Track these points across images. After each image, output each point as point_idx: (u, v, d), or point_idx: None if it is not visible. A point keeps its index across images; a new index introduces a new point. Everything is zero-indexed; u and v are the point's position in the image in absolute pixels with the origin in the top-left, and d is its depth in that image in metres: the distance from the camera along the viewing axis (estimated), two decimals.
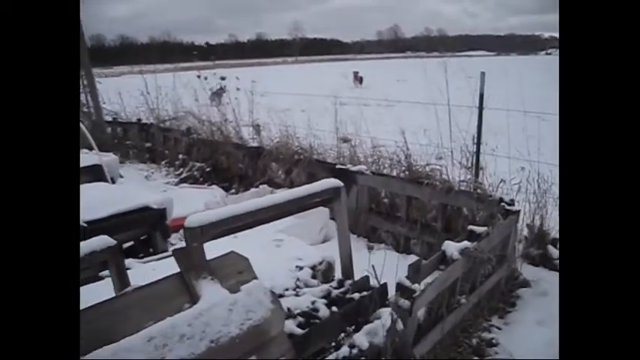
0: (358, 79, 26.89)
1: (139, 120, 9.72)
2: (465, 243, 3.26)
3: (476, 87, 5.21)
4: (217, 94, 19.44)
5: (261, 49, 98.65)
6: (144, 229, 4.34)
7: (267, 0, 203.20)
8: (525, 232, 4.51)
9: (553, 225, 4.37)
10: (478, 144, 4.62)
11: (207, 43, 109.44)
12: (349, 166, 5.27)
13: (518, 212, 4.03)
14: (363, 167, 5.16)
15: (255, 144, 6.96)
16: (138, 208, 4.25)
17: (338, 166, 5.36)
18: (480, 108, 4.64)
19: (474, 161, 4.69)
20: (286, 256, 3.22)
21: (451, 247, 3.19)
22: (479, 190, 4.28)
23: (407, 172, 4.89)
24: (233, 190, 6.76)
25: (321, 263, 3.20)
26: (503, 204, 4.00)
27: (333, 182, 2.78)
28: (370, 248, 4.89)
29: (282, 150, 6.24)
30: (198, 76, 10.06)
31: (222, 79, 19.79)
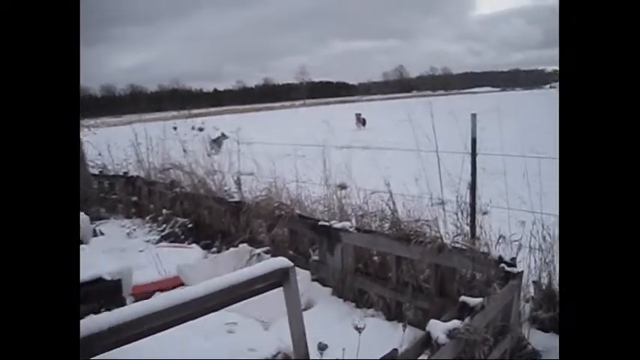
0: (361, 121, 26.55)
1: (126, 173, 9.26)
2: (455, 322, 2.69)
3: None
4: (217, 142, 19.21)
5: (269, 94, 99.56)
6: (96, 303, 3.84)
7: (274, 46, 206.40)
8: (532, 290, 3.99)
9: None
10: (473, 195, 4.06)
11: (215, 90, 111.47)
12: (333, 223, 4.74)
13: (520, 274, 3.48)
14: (347, 224, 4.62)
15: (237, 198, 6.44)
16: (89, 281, 3.80)
17: (320, 223, 4.85)
18: (473, 154, 4.09)
19: (469, 214, 4.11)
20: (236, 346, 2.69)
21: (437, 328, 2.61)
22: (474, 248, 3.74)
23: (394, 229, 4.37)
24: (215, 249, 6.25)
25: (276, 355, 2.66)
26: (502, 265, 3.46)
27: (280, 262, 2.33)
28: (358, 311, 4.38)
29: (263, 205, 5.69)
30: (175, 128, 9.65)
31: (216, 129, 19.44)
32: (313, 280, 4.67)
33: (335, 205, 5.60)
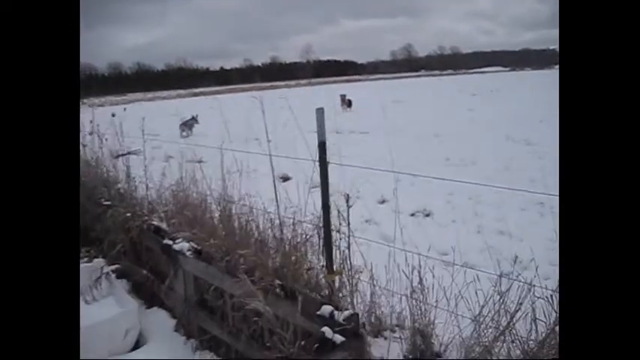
0: (346, 102, 25.49)
1: None
2: None
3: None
4: (187, 125, 18.52)
5: (275, 73, 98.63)
6: None
7: (283, 24, 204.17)
8: None
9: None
10: (327, 217, 3.27)
11: (221, 68, 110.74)
12: (171, 242, 3.81)
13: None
14: (185, 245, 3.69)
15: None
16: None
17: (164, 242, 3.89)
18: (322, 163, 3.25)
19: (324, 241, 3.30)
20: None
21: None
22: (307, 295, 2.94)
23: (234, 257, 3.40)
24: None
25: None
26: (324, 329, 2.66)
27: None
28: None
29: (113, 212, 4.73)
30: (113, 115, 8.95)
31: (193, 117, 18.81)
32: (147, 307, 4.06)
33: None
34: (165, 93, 65.38)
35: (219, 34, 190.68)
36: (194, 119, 18.65)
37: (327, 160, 3.19)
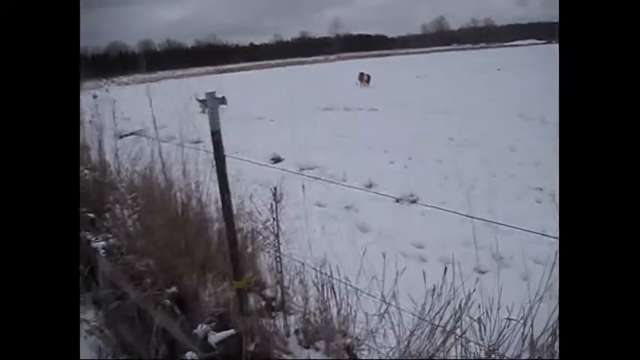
0: (365, 79, 24.64)
1: None
2: None
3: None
4: (204, 103, 18.04)
5: (305, 48, 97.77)
6: None
7: None
8: None
9: None
10: (229, 224, 2.79)
11: (251, 44, 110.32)
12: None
13: None
14: (100, 243, 3.42)
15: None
16: None
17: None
18: (216, 150, 2.72)
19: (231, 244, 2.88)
20: None
21: None
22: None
23: None
24: None
25: None
26: None
27: None
28: None
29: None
30: (95, 96, 8.64)
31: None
32: None
33: None
34: (193, 70, 65.49)
35: (250, 9, 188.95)
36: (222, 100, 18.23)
37: (225, 153, 2.68)
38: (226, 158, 2.74)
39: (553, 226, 4.70)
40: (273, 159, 8.36)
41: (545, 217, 5.00)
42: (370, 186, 6.62)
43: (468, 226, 4.99)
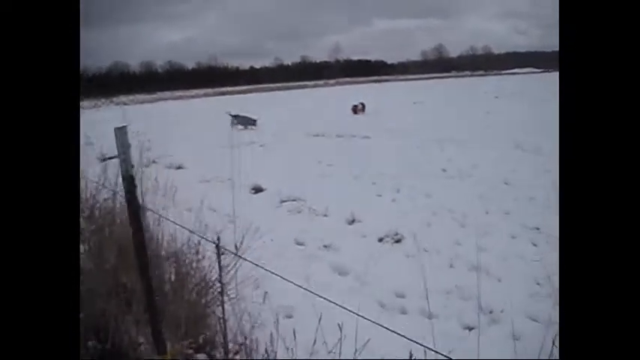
0: (359, 109, 23.38)
1: None
2: None
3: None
4: (242, 120, 17.87)
5: (305, 72, 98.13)
6: None
7: (315, 24, 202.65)
8: None
9: None
10: (146, 285, 2.35)
11: (251, 67, 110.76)
12: None
13: None
14: None
15: None
16: None
17: None
18: (128, 192, 2.24)
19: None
20: None
21: None
22: None
23: None
24: None
25: None
26: None
27: None
28: None
29: None
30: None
31: None
32: None
33: None
34: (193, 92, 65.49)
35: (252, 33, 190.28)
36: (254, 121, 18.03)
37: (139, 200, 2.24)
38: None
39: (550, 273, 4.12)
40: (254, 189, 7.89)
41: (540, 265, 4.52)
42: (353, 222, 6.12)
43: (455, 272, 4.52)
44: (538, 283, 4.30)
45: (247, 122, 18.19)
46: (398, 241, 5.47)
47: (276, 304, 4.14)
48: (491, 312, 3.96)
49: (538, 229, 5.65)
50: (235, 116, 18.22)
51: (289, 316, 4.05)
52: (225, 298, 3.93)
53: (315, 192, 7.41)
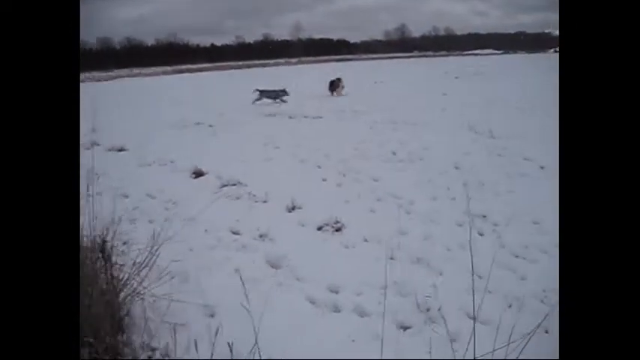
0: (340, 86, 21.83)
1: None
2: None
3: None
4: (269, 94, 16.77)
5: (267, 50, 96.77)
6: None
7: (275, 1, 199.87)
8: None
9: None
10: None
11: (212, 45, 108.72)
12: None
13: None
14: None
15: None
16: None
17: None
18: None
19: None
20: None
21: None
22: None
23: None
24: None
25: None
26: None
27: None
28: None
29: None
30: None
31: None
32: None
33: None
34: (151, 69, 63.79)
35: (212, 10, 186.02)
36: (284, 92, 16.89)
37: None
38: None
39: (495, 264, 3.80)
40: (194, 173, 7.45)
41: (487, 254, 4.26)
42: (293, 209, 5.77)
43: (395, 265, 4.21)
44: (480, 277, 4.04)
45: (277, 95, 16.87)
46: (338, 230, 5.13)
47: (200, 301, 3.81)
48: (428, 310, 3.68)
49: (485, 216, 5.40)
50: (262, 91, 16.89)
51: (211, 315, 3.71)
52: (143, 297, 3.59)
53: (257, 176, 7.03)
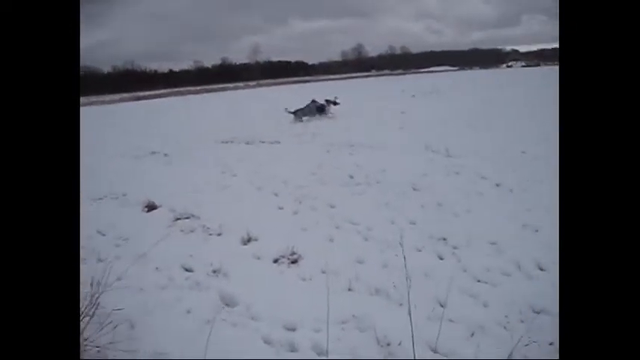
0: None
1: None
2: None
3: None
4: (317, 108, 16.22)
5: (226, 74, 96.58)
6: None
7: (232, 25, 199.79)
8: None
9: None
10: None
11: (170, 70, 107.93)
12: None
13: None
14: None
15: None
16: None
17: None
18: None
19: None
20: None
21: None
22: None
23: None
24: None
25: None
26: None
27: None
28: None
29: None
30: None
31: None
32: None
33: None
34: (107, 97, 62.83)
35: (169, 35, 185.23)
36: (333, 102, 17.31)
37: None
38: None
39: (457, 290, 3.68)
40: (147, 206, 7.19)
41: (448, 280, 4.16)
42: (249, 241, 5.57)
43: (353, 297, 4.07)
44: (442, 305, 3.94)
45: (323, 109, 17.07)
46: (294, 262, 4.96)
47: (148, 349, 3.61)
48: (388, 344, 3.54)
49: (445, 239, 5.32)
50: (296, 112, 17.04)
51: None
52: (85, 348, 3.38)
53: (212, 207, 6.83)
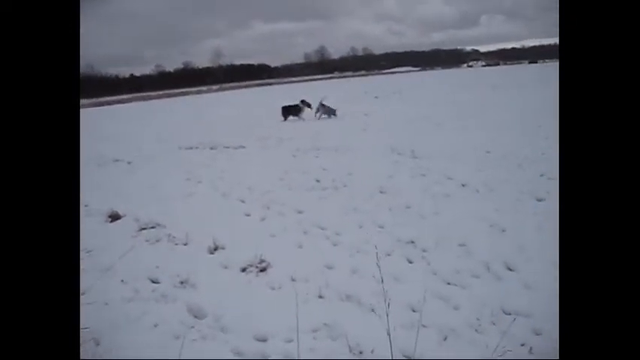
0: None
1: None
2: None
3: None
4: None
5: (188, 78, 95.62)
6: None
7: (194, 28, 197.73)
8: None
9: None
10: None
11: (131, 75, 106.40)
12: None
13: None
14: None
15: None
16: None
17: None
18: None
19: None
20: None
21: None
22: None
23: None
24: None
25: None
26: None
27: None
28: None
29: None
30: None
31: None
32: None
33: None
34: None
35: (130, 39, 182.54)
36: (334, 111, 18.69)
37: None
38: None
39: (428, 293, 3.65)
40: (110, 216, 7.01)
41: (418, 284, 4.16)
42: (216, 249, 5.47)
43: (324, 305, 4.02)
44: (414, 311, 3.92)
45: (331, 112, 18.59)
46: (263, 270, 4.88)
47: None
48: (361, 352, 3.51)
49: (413, 242, 5.32)
50: (322, 105, 18.71)
51: None
52: None
53: (177, 216, 6.69)
